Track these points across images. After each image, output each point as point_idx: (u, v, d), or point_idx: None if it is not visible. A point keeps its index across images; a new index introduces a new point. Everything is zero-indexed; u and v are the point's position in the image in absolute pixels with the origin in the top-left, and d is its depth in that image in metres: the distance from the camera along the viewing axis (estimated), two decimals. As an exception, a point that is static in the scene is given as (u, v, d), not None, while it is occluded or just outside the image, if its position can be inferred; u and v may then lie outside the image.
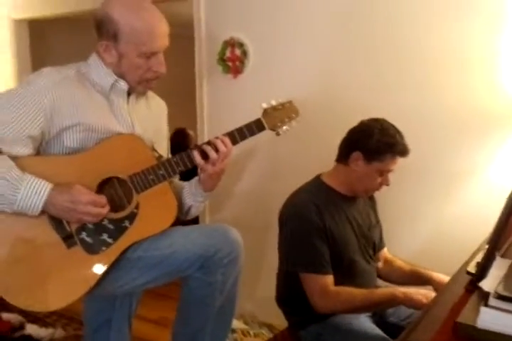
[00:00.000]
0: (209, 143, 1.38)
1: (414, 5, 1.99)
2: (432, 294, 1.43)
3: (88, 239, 1.29)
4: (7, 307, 1.28)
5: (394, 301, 1.48)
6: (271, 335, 2.35)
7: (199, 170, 1.42)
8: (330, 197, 1.62)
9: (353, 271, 1.62)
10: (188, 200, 1.49)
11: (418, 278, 1.70)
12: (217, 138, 1.38)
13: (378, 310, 1.64)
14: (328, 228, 1.55)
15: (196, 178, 1.47)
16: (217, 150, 1.36)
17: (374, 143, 1.53)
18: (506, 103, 1.85)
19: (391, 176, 1.60)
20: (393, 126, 1.57)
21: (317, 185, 1.65)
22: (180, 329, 1.47)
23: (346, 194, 1.64)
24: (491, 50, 1.87)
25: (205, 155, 1.37)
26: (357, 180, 1.60)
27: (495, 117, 1.88)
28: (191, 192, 1.48)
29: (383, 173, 1.57)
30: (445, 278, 1.63)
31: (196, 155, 1.36)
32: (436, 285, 1.64)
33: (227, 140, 1.38)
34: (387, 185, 1.60)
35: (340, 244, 1.58)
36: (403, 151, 1.55)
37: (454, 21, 1.92)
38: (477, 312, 0.79)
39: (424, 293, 1.44)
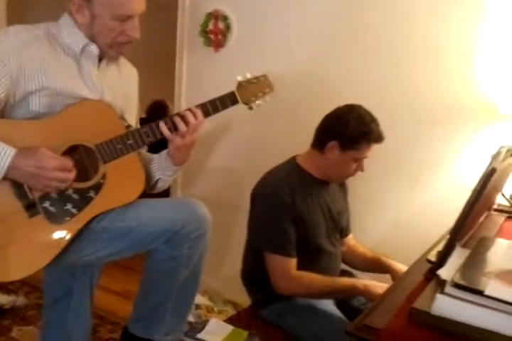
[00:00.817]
0: (178, 114, 1.34)
1: (395, 2, 1.98)
2: None
3: (51, 209, 1.25)
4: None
5: (353, 292, 1.51)
6: (235, 312, 2.39)
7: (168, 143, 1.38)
8: (304, 179, 1.62)
9: (319, 253, 1.63)
10: (156, 173, 1.45)
11: (379, 266, 1.73)
12: (188, 109, 1.34)
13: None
14: (298, 210, 1.56)
15: (165, 151, 1.43)
16: (186, 121, 1.32)
17: (350, 132, 1.52)
18: (479, 99, 1.87)
19: (365, 162, 1.60)
20: (369, 113, 1.56)
21: (292, 166, 1.65)
22: (142, 301, 1.46)
23: (320, 178, 1.64)
24: (467, 45, 1.88)
25: (174, 127, 1.33)
26: (332, 168, 1.60)
27: (467, 112, 1.91)
28: (160, 165, 1.44)
29: (358, 160, 1.58)
30: (404, 269, 1.67)
31: (163, 126, 1.32)
32: (394, 275, 1.67)
33: (199, 112, 1.34)
34: (362, 170, 1.61)
35: (309, 227, 1.59)
36: (378, 138, 1.55)
37: (433, 17, 1.91)
38: (433, 299, 0.81)
39: (384, 287, 1.45)
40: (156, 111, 3.26)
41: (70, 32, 1.30)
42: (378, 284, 1.51)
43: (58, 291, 1.59)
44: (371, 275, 1.76)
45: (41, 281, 1.58)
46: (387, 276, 1.69)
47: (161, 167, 1.44)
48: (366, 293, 1.49)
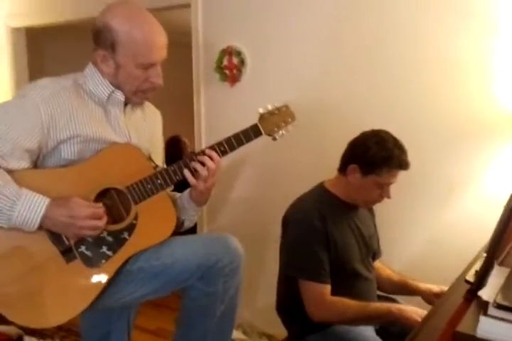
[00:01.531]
0: (196, 159, 1.36)
1: (411, 14, 2.01)
2: (426, 313, 1.42)
3: (87, 253, 1.28)
4: (5, 319, 1.26)
5: (388, 317, 1.48)
6: (270, 345, 2.35)
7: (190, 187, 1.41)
8: (333, 204, 1.62)
9: (356, 278, 1.62)
10: (180, 215, 1.47)
11: (406, 288, 1.72)
12: (203, 153, 1.37)
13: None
14: (330, 235, 1.55)
15: (185, 193, 1.46)
16: (206, 166, 1.35)
17: (370, 156, 1.53)
18: (501, 112, 1.87)
19: (392, 188, 1.59)
20: (393, 139, 1.56)
21: (321, 191, 1.66)
22: (181, 339, 1.45)
23: (349, 202, 1.65)
24: (486, 59, 1.89)
25: (195, 172, 1.36)
26: (356, 192, 1.61)
27: (490, 126, 1.90)
28: (183, 206, 1.47)
29: (382, 186, 1.56)
30: (433, 288, 1.65)
31: (187, 174, 1.35)
32: (424, 295, 1.65)
33: (214, 154, 1.37)
34: (388, 197, 1.60)
35: (343, 251, 1.59)
36: (401, 165, 1.53)
37: (450, 31, 1.94)
38: (476, 321, 0.80)
39: (419, 312, 1.44)
40: (171, 146, 3.34)
41: (95, 81, 1.36)
42: (414, 309, 1.48)
43: (96, 335, 1.60)
44: (411, 301, 1.72)
45: (76, 325, 1.59)
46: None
47: (184, 208, 1.47)
48: (401, 318, 1.46)
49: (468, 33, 1.91)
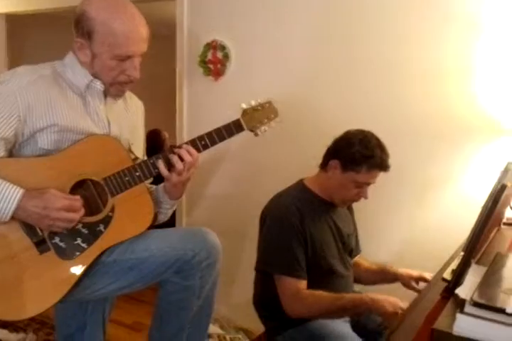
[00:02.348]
0: (173, 152, 1.34)
1: (391, 16, 2.03)
2: (400, 302, 1.43)
3: (61, 244, 1.25)
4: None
5: (362, 307, 1.49)
6: (247, 340, 2.34)
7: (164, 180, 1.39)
8: (312, 201, 1.63)
9: (332, 275, 1.63)
10: (156, 207, 1.44)
11: (385, 276, 1.74)
12: (181, 147, 1.35)
13: (354, 316, 1.64)
14: (308, 232, 1.56)
15: (160, 186, 1.44)
16: (182, 160, 1.33)
17: (352, 153, 1.54)
18: (480, 113, 1.89)
19: (373, 189, 1.60)
20: (377, 140, 1.57)
21: (300, 188, 1.66)
22: (157, 333, 1.44)
23: (327, 199, 1.65)
24: (465, 61, 1.91)
25: (170, 165, 1.34)
26: (334, 189, 1.61)
27: (469, 127, 1.92)
28: (157, 199, 1.44)
29: (360, 185, 1.57)
30: (411, 272, 1.68)
31: (161, 165, 1.33)
32: (403, 280, 1.67)
33: (192, 149, 1.35)
34: (365, 197, 1.61)
35: (320, 249, 1.59)
36: (380, 166, 1.55)
37: (432, 33, 1.95)
38: (453, 319, 0.80)
39: (392, 301, 1.45)
40: (151, 139, 3.31)
41: (74, 70, 1.33)
42: (388, 298, 1.48)
43: (71, 327, 1.57)
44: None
45: (50, 317, 1.56)
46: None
47: (158, 201, 1.45)
48: (374, 308, 1.46)
49: (449, 36, 1.92)
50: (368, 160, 1.53)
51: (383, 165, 1.55)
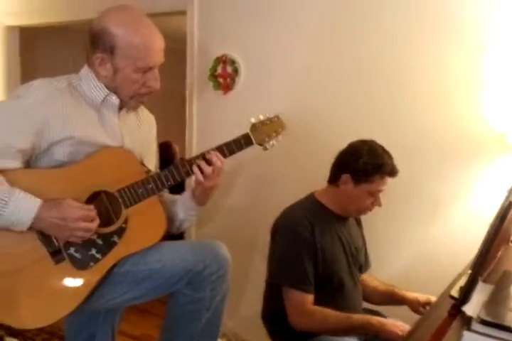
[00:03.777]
0: (202, 157, 1.38)
1: (402, 30, 2.05)
2: (407, 327, 1.43)
3: (76, 255, 1.28)
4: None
5: (369, 329, 1.49)
6: (253, 354, 2.34)
7: (194, 184, 1.41)
8: (323, 215, 1.64)
9: (343, 289, 1.63)
10: (181, 214, 1.48)
11: (393, 298, 1.73)
12: (209, 152, 1.38)
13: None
14: (318, 245, 1.57)
15: (188, 192, 1.47)
16: (211, 164, 1.36)
17: (362, 165, 1.56)
18: (488, 130, 1.91)
19: (382, 196, 1.62)
20: (381, 147, 1.60)
21: (311, 202, 1.68)
22: (165, 345, 1.45)
23: (338, 213, 1.67)
24: (475, 77, 1.93)
25: (199, 170, 1.37)
26: (348, 202, 1.63)
27: (478, 144, 1.94)
28: (185, 206, 1.47)
29: (374, 194, 1.59)
30: (420, 297, 1.67)
31: (196, 169, 1.36)
32: (411, 305, 1.67)
33: (219, 154, 1.38)
34: (379, 205, 1.62)
35: (331, 262, 1.60)
36: (391, 171, 1.57)
37: (442, 50, 1.98)
38: (460, 336, 0.81)
39: (399, 325, 1.45)
40: (161, 151, 3.34)
41: (90, 83, 1.36)
42: (395, 323, 1.49)
43: (80, 337, 1.58)
44: (398, 315, 1.72)
45: (59, 328, 1.57)
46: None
47: (185, 207, 1.47)
48: (382, 331, 1.47)
49: (459, 53, 1.95)
50: (380, 169, 1.55)
51: (394, 171, 1.58)
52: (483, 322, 0.82)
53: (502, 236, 1.21)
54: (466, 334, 0.81)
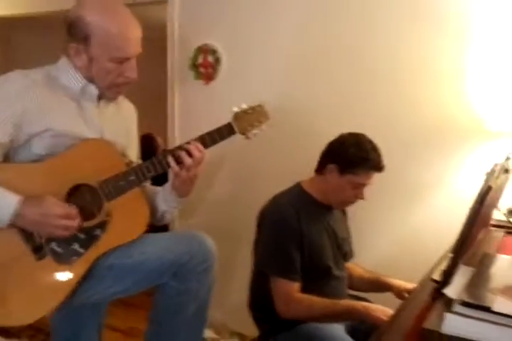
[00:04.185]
0: (182, 148, 1.36)
1: (384, 18, 2.05)
2: (391, 312, 1.44)
3: (58, 249, 1.26)
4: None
5: (354, 314, 1.50)
6: (242, 344, 2.36)
7: (172, 176, 1.40)
8: (309, 204, 1.65)
9: (328, 277, 1.65)
10: (162, 206, 1.46)
11: (378, 286, 1.75)
12: (189, 143, 1.37)
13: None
14: (305, 234, 1.58)
15: (168, 185, 1.45)
16: (191, 155, 1.34)
17: (348, 156, 1.57)
18: (473, 117, 1.92)
19: (366, 192, 1.63)
20: (370, 142, 1.61)
21: (298, 191, 1.68)
22: (153, 337, 1.45)
23: (324, 202, 1.68)
24: (458, 64, 1.94)
25: (178, 161, 1.35)
26: (332, 191, 1.64)
27: (462, 130, 1.95)
28: (165, 197, 1.46)
29: (357, 186, 1.60)
30: (405, 284, 1.69)
31: (171, 161, 1.34)
32: (396, 292, 1.69)
33: (200, 145, 1.37)
34: (362, 198, 1.64)
35: (317, 250, 1.61)
36: (376, 167, 1.58)
37: (422, 38, 1.98)
38: (442, 318, 0.83)
39: (384, 310, 1.47)
40: (144, 144, 3.31)
41: (68, 74, 1.34)
42: (380, 307, 1.50)
43: (66, 332, 1.58)
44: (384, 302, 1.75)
45: (45, 323, 1.56)
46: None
47: (166, 199, 1.46)
48: (367, 316, 1.48)
49: (443, 40, 1.95)
50: (365, 163, 1.56)
51: (379, 167, 1.59)
52: (465, 304, 0.83)
53: (482, 219, 1.23)
54: (447, 316, 0.82)
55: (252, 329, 1.76)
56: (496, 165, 1.25)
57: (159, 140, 3.63)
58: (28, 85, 1.27)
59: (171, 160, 1.34)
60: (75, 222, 1.25)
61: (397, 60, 2.04)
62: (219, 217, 2.52)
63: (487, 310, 0.81)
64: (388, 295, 1.72)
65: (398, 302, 1.54)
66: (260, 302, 1.68)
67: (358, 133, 1.64)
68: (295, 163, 2.15)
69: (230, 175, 2.51)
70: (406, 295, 1.66)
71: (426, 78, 2.00)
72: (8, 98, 1.24)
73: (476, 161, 1.93)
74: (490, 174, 1.14)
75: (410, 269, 1.70)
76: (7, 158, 1.28)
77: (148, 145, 3.46)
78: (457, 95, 1.95)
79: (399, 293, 1.68)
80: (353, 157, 1.56)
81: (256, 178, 2.41)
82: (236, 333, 2.44)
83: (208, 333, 2.30)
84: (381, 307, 1.50)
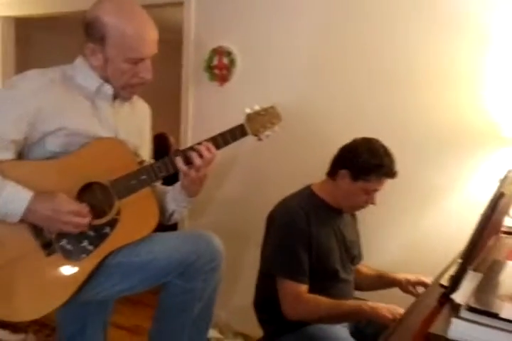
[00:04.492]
0: (193, 148, 1.36)
1: (402, 22, 2.05)
2: (399, 310, 1.44)
3: (68, 246, 1.28)
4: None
5: (361, 314, 1.50)
6: (246, 345, 2.36)
7: (181, 176, 1.41)
8: (319, 207, 1.65)
9: (335, 279, 1.64)
10: (171, 205, 1.47)
11: (383, 281, 1.75)
12: (200, 143, 1.37)
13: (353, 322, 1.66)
14: (314, 237, 1.58)
15: (178, 184, 1.46)
16: (201, 156, 1.35)
17: (361, 162, 1.56)
18: (488, 121, 1.91)
19: (378, 195, 1.62)
20: (384, 147, 1.60)
21: (308, 194, 1.68)
22: (157, 335, 1.46)
23: (334, 206, 1.67)
24: (475, 69, 1.93)
25: (188, 161, 1.36)
26: (343, 196, 1.64)
27: (476, 135, 1.94)
28: (174, 197, 1.46)
29: (369, 192, 1.60)
30: (410, 279, 1.69)
31: (179, 161, 1.35)
32: (401, 286, 1.69)
33: (212, 146, 1.37)
34: (373, 204, 1.63)
35: (325, 253, 1.61)
36: (389, 174, 1.58)
37: (441, 42, 1.98)
38: (449, 323, 0.82)
39: (391, 309, 1.46)
40: (157, 143, 3.33)
41: (84, 74, 1.36)
42: (386, 306, 1.49)
43: (72, 328, 1.59)
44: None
45: (50, 319, 1.57)
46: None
47: (176, 199, 1.47)
48: (373, 316, 1.47)
49: (460, 44, 1.95)
50: (377, 169, 1.56)
51: (392, 173, 1.58)
52: (471, 310, 0.82)
53: (493, 225, 1.22)
54: (454, 321, 0.82)
55: (256, 330, 1.76)
56: (509, 171, 1.24)
57: (172, 139, 3.65)
58: (45, 84, 1.29)
59: (178, 160, 1.35)
60: (86, 220, 1.26)
61: (413, 63, 2.04)
62: (228, 218, 2.53)
63: (495, 316, 0.80)
64: (393, 295, 1.72)
65: (403, 301, 1.53)
66: (266, 303, 1.68)
67: (371, 138, 1.63)
68: (306, 166, 2.15)
69: (241, 176, 2.51)
70: (411, 287, 1.67)
71: (442, 82, 1.99)
72: (25, 96, 1.26)
73: (491, 167, 1.92)
74: (503, 180, 1.14)
75: (419, 273, 1.71)
76: (21, 155, 1.30)
77: (161, 144, 3.48)
78: (474, 100, 1.94)
79: (404, 286, 1.68)
80: (365, 164, 1.56)
81: (266, 180, 2.41)
82: (240, 333, 2.44)
83: (212, 333, 2.30)
84: (387, 306, 1.48)
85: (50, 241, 1.27)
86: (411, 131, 2.05)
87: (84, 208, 1.26)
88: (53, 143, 1.29)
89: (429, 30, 2.00)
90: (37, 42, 4.18)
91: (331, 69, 2.23)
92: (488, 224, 0.99)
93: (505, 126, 1.86)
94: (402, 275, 1.71)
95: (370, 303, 1.51)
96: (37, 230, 1.26)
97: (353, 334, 1.61)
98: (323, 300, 1.53)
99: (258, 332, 1.74)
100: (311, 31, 2.25)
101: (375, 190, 1.60)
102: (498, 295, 0.90)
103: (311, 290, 1.56)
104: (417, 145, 2.04)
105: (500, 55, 1.88)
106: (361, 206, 1.66)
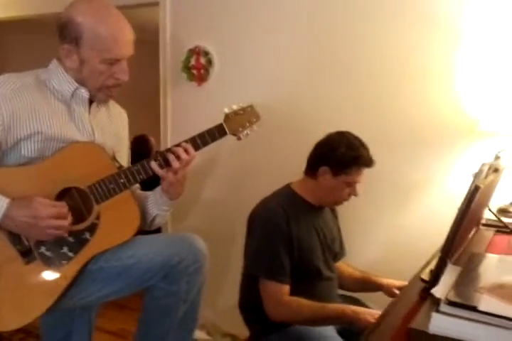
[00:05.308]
0: (170, 150, 1.35)
1: (377, 20, 2.06)
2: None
3: (48, 253, 1.25)
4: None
5: (343, 318, 1.50)
6: (234, 345, 2.36)
7: (161, 179, 1.40)
8: (299, 205, 1.65)
9: (319, 278, 1.65)
10: (153, 210, 1.46)
11: (369, 285, 1.76)
12: (178, 145, 1.36)
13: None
14: (295, 236, 1.58)
15: (158, 188, 1.45)
16: (178, 158, 1.34)
17: (340, 157, 1.57)
18: (464, 116, 1.93)
19: (359, 186, 1.63)
20: (357, 139, 1.61)
21: (287, 193, 1.68)
22: (143, 338, 1.45)
23: (314, 204, 1.68)
24: (448, 65, 1.95)
25: (166, 163, 1.35)
26: (326, 193, 1.64)
27: (453, 130, 1.96)
28: (156, 201, 1.45)
29: (351, 184, 1.61)
30: (395, 283, 1.70)
31: (154, 166, 1.34)
32: (386, 290, 1.69)
33: (190, 147, 1.36)
34: (356, 195, 1.64)
35: (307, 252, 1.62)
36: (368, 163, 1.59)
37: (414, 38, 1.99)
38: (429, 318, 0.83)
39: (373, 314, 1.47)
40: (138, 145, 3.30)
41: (59, 77, 1.33)
42: (368, 311, 1.51)
43: (57, 335, 1.57)
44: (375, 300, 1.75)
45: (35, 326, 1.55)
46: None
47: (157, 203, 1.45)
48: (355, 320, 1.48)
49: (433, 40, 1.96)
50: (357, 161, 1.57)
51: (370, 162, 1.60)
52: (451, 303, 0.83)
53: (472, 218, 1.24)
54: (434, 315, 0.82)
55: (244, 330, 1.76)
56: (483, 165, 1.25)
57: (153, 141, 3.62)
58: (18, 88, 1.27)
59: (153, 165, 1.34)
60: (66, 222, 1.24)
61: (388, 60, 2.05)
62: (212, 219, 2.52)
63: (473, 309, 0.81)
64: (379, 294, 1.73)
65: (389, 300, 1.54)
66: (250, 303, 1.67)
67: (343, 131, 1.64)
68: (286, 164, 2.15)
69: (222, 176, 2.51)
70: (397, 292, 1.66)
71: (417, 78, 2.01)
72: None
73: (467, 161, 1.94)
74: (477, 174, 1.15)
75: (400, 269, 1.70)
76: (-4, 161, 1.28)
77: (142, 146, 3.46)
78: (448, 95, 1.96)
79: (389, 291, 1.69)
80: (344, 157, 1.57)
81: (248, 179, 2.41)
82: (228, 334, 2.43)
83: (200, 334, 2.29)
84: (370, 311, 1.50)
85: (29, 248, 1.24)
86: (387, 127, 2.07)
87: (63, 207, 1.23)
88: (29, 148, 1.27)
89: (400, 27, 2.01)
90: (10, 45, 4.11)
91: (307, 67, 2.23)
92: (465, 217, 1.00)
93: (480, 121, 1.88)
94: (387, 281, 1.72)
95: (352, 307, 1.53)
96: (14, 237, 1.23)
97: (339, 332, 1.62)
98: (305, 302, 1.53)
99: (246, 332, 1.74)
100: (289, 30, 2.25)
101: (356, 182, 1.61)
102: (477, 287, 0.91)
103: (295, 290, 1.56)
104: (394, 141, 2.06)
105: (473, 50, 1.90)
106: (345, 199, 1.67)
